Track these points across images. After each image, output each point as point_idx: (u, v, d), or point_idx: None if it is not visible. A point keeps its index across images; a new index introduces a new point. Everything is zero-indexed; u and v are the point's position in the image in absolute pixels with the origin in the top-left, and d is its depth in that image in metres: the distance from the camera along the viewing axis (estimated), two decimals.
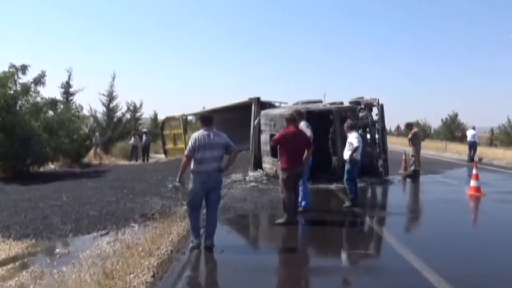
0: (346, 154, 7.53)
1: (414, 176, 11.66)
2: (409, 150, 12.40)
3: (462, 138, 30.76)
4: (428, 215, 7.80)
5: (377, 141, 11.25)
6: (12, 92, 14.08)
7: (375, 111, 11.25)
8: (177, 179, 4.99)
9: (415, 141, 11.84)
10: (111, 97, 25.40)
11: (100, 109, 25.34)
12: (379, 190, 10.17)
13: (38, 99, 15.42)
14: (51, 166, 16.33)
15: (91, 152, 20.10)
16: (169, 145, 21.35)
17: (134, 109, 28.94)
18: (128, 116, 27.57)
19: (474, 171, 9.27)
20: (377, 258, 5.18)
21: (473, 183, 9.14)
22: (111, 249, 5.37)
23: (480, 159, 16.52)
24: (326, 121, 10.87)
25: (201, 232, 5.20)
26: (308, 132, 7.04)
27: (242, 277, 4.28)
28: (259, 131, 11.66)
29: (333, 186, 9.79)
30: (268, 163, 11.18)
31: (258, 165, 11.78)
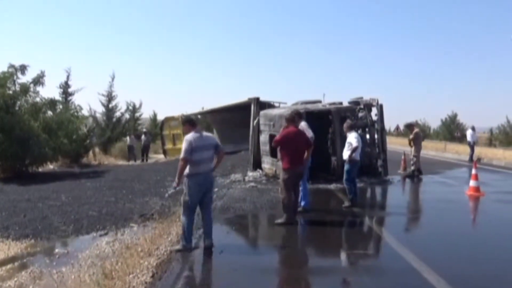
0: (346, 154, 7.54)
1: (414, 176, 11.66)
2: (409, 150, 12.41)
3: (461, 139, 30.76)
4: (427, 215, 7.80)
5: (376, 141, 11.26)
6: (11, 92, 14.06)
7: (374, 111, 11.26)
8: (175, 184, 4.92)
9: (417, 141, 11.86)
10: (110, 97, 25.35)
11: (99, 109, 25.34)
12: (378, 190, 10.17)
13: (37, 99, 15.40)
14: (50, 166, 16.32)
15: (91, 152, 20.11)
16: (169, 145, 21.35)
17: (133, 109, 28.94)
18: (127, 116, 27.55)
19: (473, 171, 9.27)
20: (376, 258, 5.18)
21: (472, 183, 9.15)
22: (110, 249, 5.37)
23: (479, 159, 16.55)
24: (325, 121, 10.88)
25: (196, 235, 5.24)
26: (310, 132, 7.04)
27: (241, 277, 4.28)
28: (258, 131, 11.66)
29: (332, 186, 9.79)
30: (268, 163, 11.18)
31: (257, 165, 11.78)
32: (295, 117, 6.63)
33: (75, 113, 18.07)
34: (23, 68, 14.38)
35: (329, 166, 10.76)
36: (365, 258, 5.03)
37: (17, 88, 14.43)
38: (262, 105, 12.25)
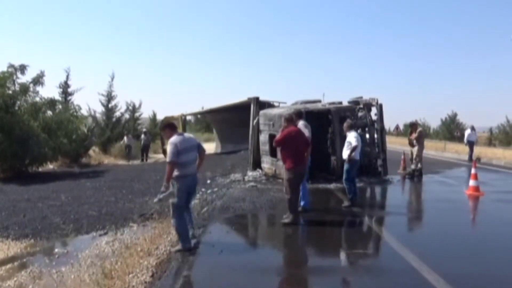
0: (345, 154, 7.54)
1: (416, 176, 11.64)
2: (409, 150, 12.40)
3: (461, 138, 30.80)
4: (427, 214, 7.80)
5: (376, 141, 11.27)
6: (10, 92, 14.07)
7: (374, 111, 11.27)
8: (163, 188, 4.87)
9: (421, 140, 11.88)
10: (110, 97, 25.38)
11: (99, 109, 25.35)
12: (378, 190, 10.17)
13: (37, 99, 15.43)
14: (50, 166, 16.33)
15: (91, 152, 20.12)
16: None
17: (133, 109, 28.93)
18: (127, 116, 27.58)
19: (473, 171, 9.28)
20: (376, 258, 5.18)
21: (472, 182, 9.15)
22: (110, 249, 5.37)
23: (478, 159, 16.57)
24: (325, 121, 10.88)
25: (196, 234, 5.30)
26: (306, 132, 7.06)
27: (241, 277, 4.28)
28: (258, 131, 11.65)
29: (332, 186, 9.79)
30: (267, 163, 11.18)
31: (257, 165, 11.78)
32: (294, 117, 6.69)
33: (75, 113, 18.08)
34: (22, 68, 14.40)
35: (328, 165, 10.76)
36: (364, 258, 5.03)
37: (17, 88, 14.45)
38: (262, 104, 12.25)
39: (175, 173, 4.80)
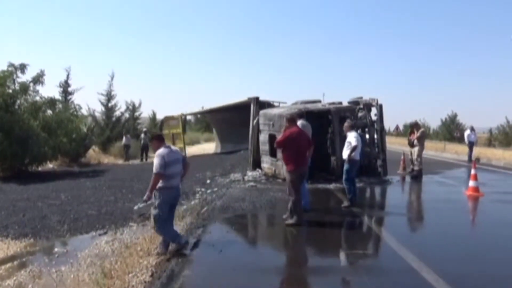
0: (345, 154, 7.54)
1: (417, 176, 11.63)
2: (408, 150, 12.40)
3: (461, 139, 30.82)
4: (426, 215, 7.81)
5: (376, 141, 11.27)
6: (10, 91, 14.07)
7: (374, 111, 11.28)
8: (145, 198, 4.87)
9: (422, 141, 11.90)
10: (109, 96, 25.40)
11: (98, 109, 25.35)
12: (377, 190, 10.17)
13: (37, 98, 15.43)
14: (50, 166, 16.33)
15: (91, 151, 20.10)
16: None
17: (132, 109, 28.95)
18: (126, 115, 27.59)
19: (472, 171, 9.28)
20: (375, 258, 5.18)
21: (471, 183, 9.16)
22: (110, 248, 5.37)
23: (477, 159, 16.58)
24: (325, 121, 10.89)
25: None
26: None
27: (241, 277, 4.28)
28: (258, 131, 11.66)
29: (331, 186, 9.80)
30: (267, 162, 11.18)
31: (256, 164, 11.78)
32: (295, 117, 6.70)
33: (75, 113, 18.07)
34: (22, 67, 14.40)
35: (328, 166, 10.77)
36: (364, 258, 5.02)
37: (17, 87, 14.45)
38: (262, 104, 12.26)
39: (160, 184, 4.82)
